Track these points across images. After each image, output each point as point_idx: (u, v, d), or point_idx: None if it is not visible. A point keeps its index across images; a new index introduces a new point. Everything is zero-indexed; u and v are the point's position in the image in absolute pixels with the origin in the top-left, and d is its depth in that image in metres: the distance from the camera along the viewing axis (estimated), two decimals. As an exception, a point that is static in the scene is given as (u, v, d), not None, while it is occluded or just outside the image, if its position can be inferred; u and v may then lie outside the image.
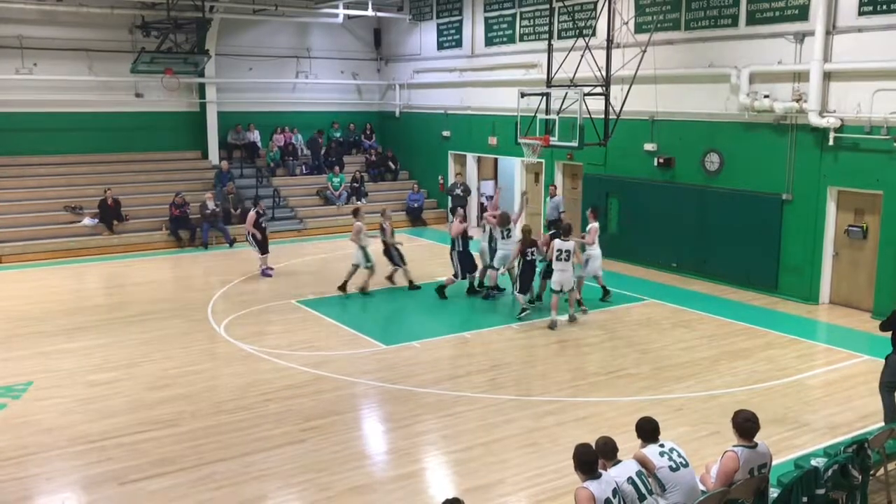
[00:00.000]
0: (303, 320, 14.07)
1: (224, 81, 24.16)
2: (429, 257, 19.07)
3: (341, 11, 24.21)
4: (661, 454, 6.14)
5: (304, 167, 25.02)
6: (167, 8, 20.16)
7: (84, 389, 10.64)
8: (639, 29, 17.36)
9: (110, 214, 20.44)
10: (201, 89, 23.86)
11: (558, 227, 18.38)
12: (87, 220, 20.36)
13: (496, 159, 24.24)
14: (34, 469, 8.39)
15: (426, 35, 24.66)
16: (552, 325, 13.42)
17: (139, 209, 21.31)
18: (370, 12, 23.51)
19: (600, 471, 5.70)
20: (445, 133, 24.33)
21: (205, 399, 10.31)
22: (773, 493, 6.36)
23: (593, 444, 5.93)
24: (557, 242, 13.59)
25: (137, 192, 21.90)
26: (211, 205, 20.89)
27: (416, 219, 24.08)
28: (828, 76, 14.41)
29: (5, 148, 21.45)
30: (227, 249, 20.65)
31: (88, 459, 8.59)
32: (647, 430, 6.38)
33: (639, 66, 15.92)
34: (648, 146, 17.89)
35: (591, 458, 5.71)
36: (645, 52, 15.92)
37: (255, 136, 24.85)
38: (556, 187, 20.26)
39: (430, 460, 8.85)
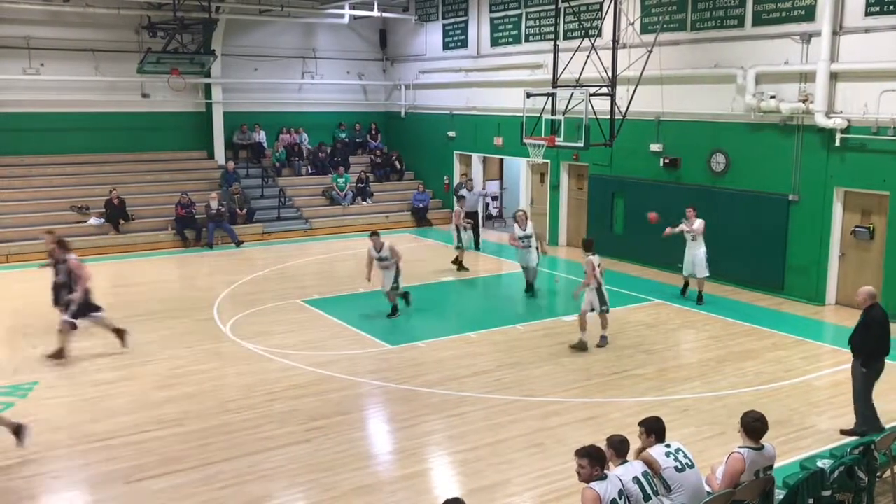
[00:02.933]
0: (308, 320, 14.08)
1: (230, 82, 24.18)
2: (434, 258, 19.05)
3: (347, 12, 24.22)
4: (667, 455, 6.14)
5: (309, 167, 25.04)
6: (173, 8, 20.20)
7: (90, 388, 10.67)
8: (645, 29, 17.34)
9: (116, 214, 20.49)
10: (207, 90, 23.90)
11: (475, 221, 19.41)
12: (93, 220, 20.41)
13: (502, 160, 24.24)
14: (40, 468, 8.41)
15: (432, 35, 24.66)
16: (582, 346, 12.29)
17: (145, 209, 21.36)
18: (376, 13, 23.52)
19: (605, 471, 5.70)
20: (451, 133, 24.33)
21: (210, 398, 10.33)
22: (779, 494, 6.34)
23: (601, 444, 5.94)
24: (596, 259, 12.29)
25: (143, 192, 21.94)
26: (214, 205, 20.90)
27: (421, 219, 24.08)
28: (834, 77, 14.37)
29: (12, 147, 21.52)
30: (232, 249, 20.68)
31: (94, 458, 8.61)
32: (653, 431, 6.38)
33: (644, 66, 15.92)
34: (654, 146, 17.87)
35: (602, 455, 5.73)
36: (651, 52, 15.92)
37: (260, 136, 24.88)
38: (472, 181, 21.70)
39: (435, 460, 8.85)
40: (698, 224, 14.76)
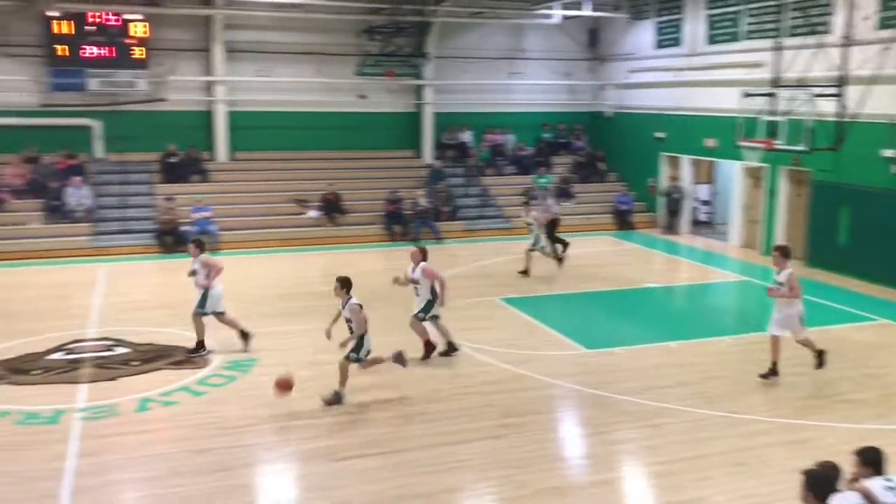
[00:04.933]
0: (505, 318, 14.22)
1: (441, 83, 24.92)
2: (636, 262, 18.58)
3: (558, 12, 24.18)
4: (888, 489, 5.60)
5: (513, 167, 25.29)
6: (391, 13, 21.09)
7: (304, 369, 11.32)
8: (882, 24, 15.87)
9: (332, 208, 21.80)
10: (418, 91, 24.80)
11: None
12: (312, 213, 21.84)
13: (712, 162, 23.19)
14: (255, 439, 9.14)
15: (642, 34, 24.08)
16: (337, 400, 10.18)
17: (358, 203, 22.53)
18: (588, 12, 23.28)
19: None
20: (659, 134, 23.61)
21: (409, 388, 10.71)
22: None
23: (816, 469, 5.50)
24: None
25: (356, 188, 23.13)
26: (424, 202, 21.69)
27: (623, 222, 23.56)
28: None
29: (244, 144, 23.50)
30: (435, 244, 21.31)
31: (301, 435, 9.22)
32: (871, 462, 5.84)
33: (881, 65, 14.58)
34: (887, 152, 16.31)
35: (826, 485, 5.30)
36: (888, 49, 14.57)
37: (466, 136, 25.46)
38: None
39: (627, 469, 8.66)
40: (785, 275, 10.58)
